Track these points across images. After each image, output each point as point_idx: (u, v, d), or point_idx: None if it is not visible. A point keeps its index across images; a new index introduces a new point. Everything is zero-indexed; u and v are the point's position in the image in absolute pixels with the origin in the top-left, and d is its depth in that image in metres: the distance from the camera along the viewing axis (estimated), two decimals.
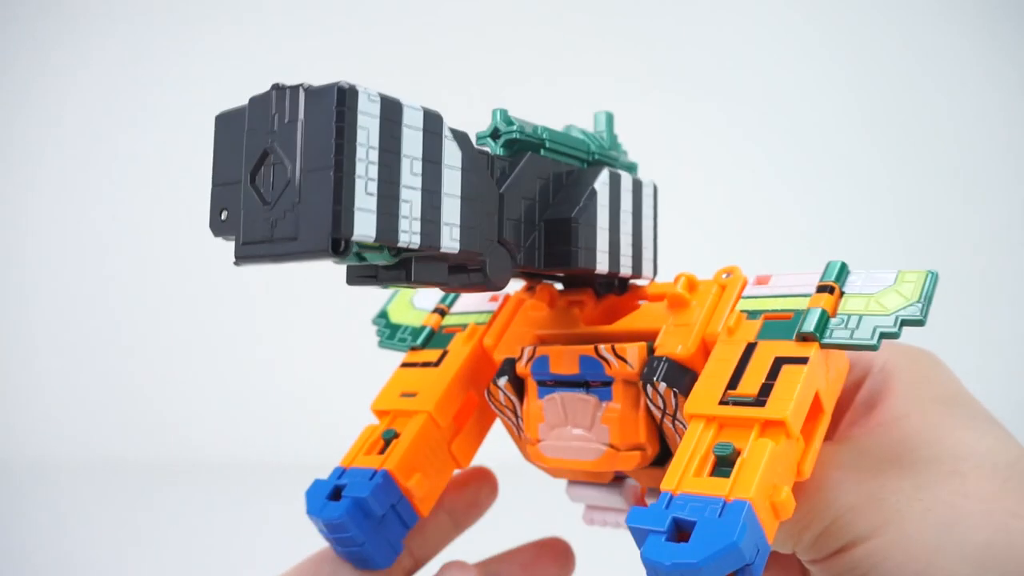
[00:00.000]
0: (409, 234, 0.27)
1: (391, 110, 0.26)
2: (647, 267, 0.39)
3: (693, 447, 0.29)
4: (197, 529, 1.11)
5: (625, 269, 0.37)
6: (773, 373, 0.30)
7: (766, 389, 0.30)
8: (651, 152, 0.43)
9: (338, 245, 0.25)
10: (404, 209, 0.26)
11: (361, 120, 0.25)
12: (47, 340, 1.52)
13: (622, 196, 0.37)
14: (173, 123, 1.54)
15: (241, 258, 0.27)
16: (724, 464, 0.28)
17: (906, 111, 1.52)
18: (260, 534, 1.10)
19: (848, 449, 0.33)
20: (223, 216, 0.28)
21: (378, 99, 0.26)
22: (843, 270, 0.34)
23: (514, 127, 0.34)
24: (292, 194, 0.25)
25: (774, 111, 1.53)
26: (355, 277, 0.30)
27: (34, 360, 1.52)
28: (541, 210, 0.34)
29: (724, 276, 0.36)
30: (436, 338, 0.42)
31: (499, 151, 0.34)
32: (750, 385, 0.30)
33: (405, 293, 0.47)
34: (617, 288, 0.40)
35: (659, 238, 0.40)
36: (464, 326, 0.41)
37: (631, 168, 0.40)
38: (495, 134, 0.34)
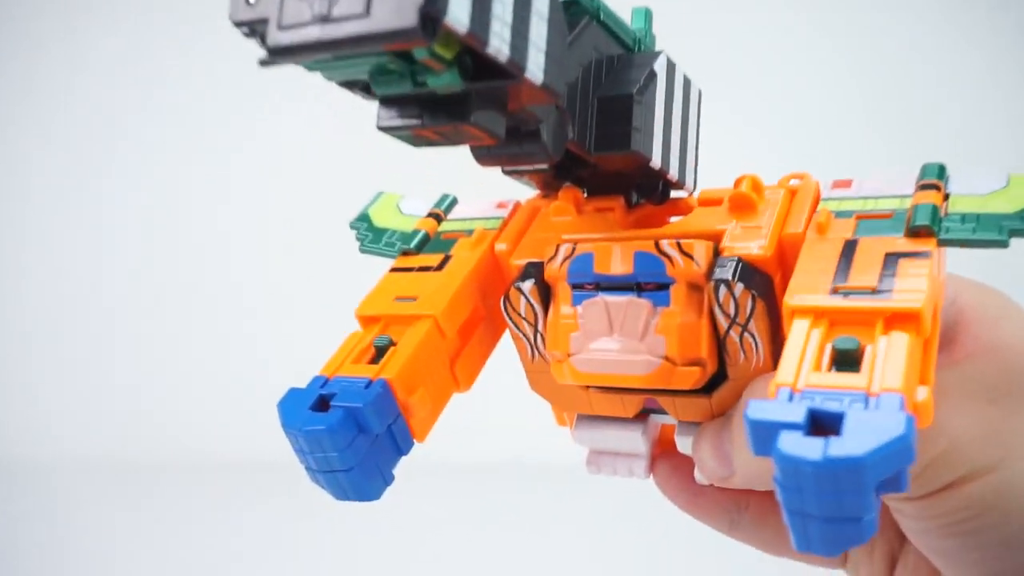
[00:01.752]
0: (500, 40, 0.21)
1: None
2: (689, 177, 0.33)
3: (804, 345, 0.24)
4: (198, 529, 1.11)
5: (673, 171, 0.32)
6: (889, 268, 0.26)
7: (886, 281, 0.25)
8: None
9: (427, 24, 0.19)
10: (497, 8, 0.21)
11: None
12: (47, 340, 1.52)
13: (676, 89, 0.31)
14: (173, 122, 1.54)
15: (278, 51, 0.20)
16: (846, 361, 0.23)
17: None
18: (262, 534, 1.09)
19: (953, 373, 0.28)
20: None
21: None
22: (943, 171, 0.30)
23: None
24: None
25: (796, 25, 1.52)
26: (393, 115, 0.24)
27: (34, 360, 1.51)
28: (594, 88, 0.29)
29: (793, 182, 0.31)
30: (433, 243, 0.36)
31: None
32: (864, 278, 0.25)
33: (390, 197, 0.41)
34: (659, 194, 0.33)
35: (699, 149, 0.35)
36: (468, 231, 0.36)
37: None
38: None
